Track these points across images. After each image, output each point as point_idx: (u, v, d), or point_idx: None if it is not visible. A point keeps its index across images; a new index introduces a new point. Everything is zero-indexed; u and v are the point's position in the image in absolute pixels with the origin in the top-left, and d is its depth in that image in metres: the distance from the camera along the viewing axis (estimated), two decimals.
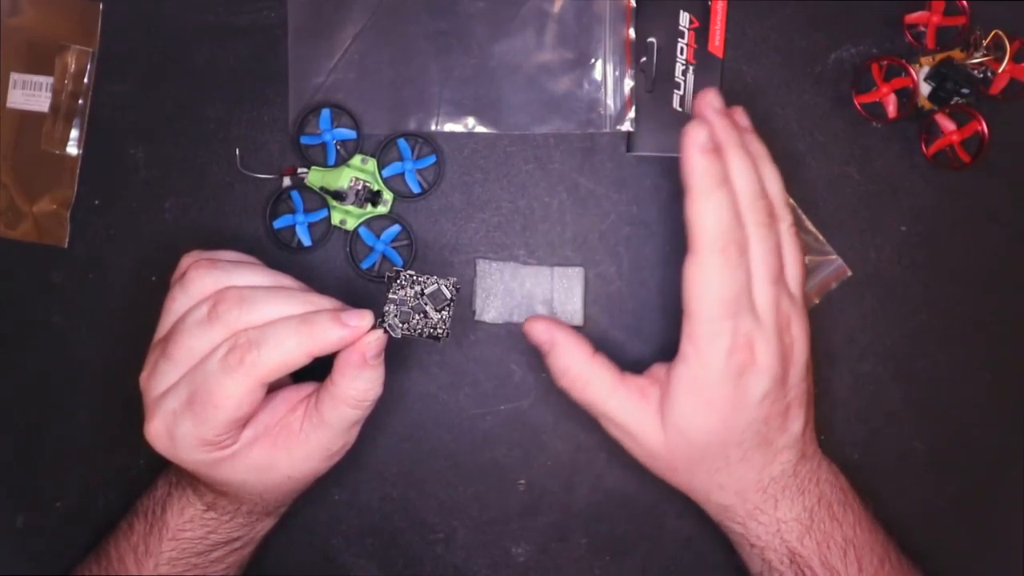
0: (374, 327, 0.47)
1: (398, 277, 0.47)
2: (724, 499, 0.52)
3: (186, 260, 0.50)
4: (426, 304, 0.48)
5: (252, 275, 0.48)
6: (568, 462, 0.59)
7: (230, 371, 0.45)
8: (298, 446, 0.49)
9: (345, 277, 0.59)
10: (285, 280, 0.49)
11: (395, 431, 0.59)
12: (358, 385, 0.47)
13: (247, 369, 0.45)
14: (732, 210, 0.47)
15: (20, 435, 0.60)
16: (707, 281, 0.47)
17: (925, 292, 0.59)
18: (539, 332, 0.51)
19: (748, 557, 0.53)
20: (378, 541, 0.59)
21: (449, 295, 0.48)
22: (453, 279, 0.48)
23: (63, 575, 0.57)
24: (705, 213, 0.47)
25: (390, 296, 0.47)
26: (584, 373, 0.50)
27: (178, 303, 0.48)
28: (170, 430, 0.46)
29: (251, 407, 0.46)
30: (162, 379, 0.47)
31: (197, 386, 0.46)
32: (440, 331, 0.48)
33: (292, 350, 0.45)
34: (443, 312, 0.48)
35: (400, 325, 0.47)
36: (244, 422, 0.47)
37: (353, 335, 0.46)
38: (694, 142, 0.47)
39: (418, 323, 0.48)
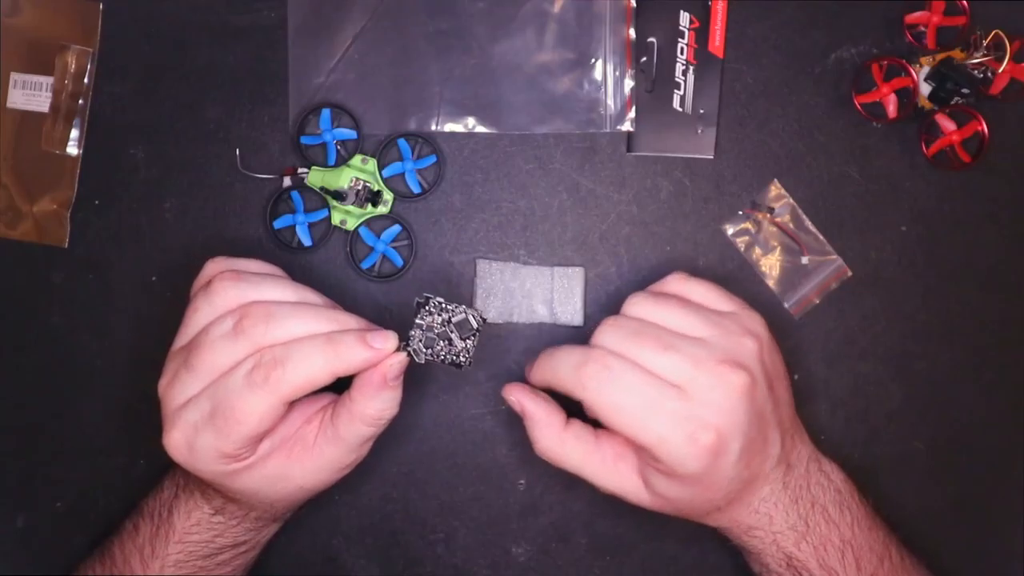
0: (398, 349, 0.47)
1: (427, 303, 0.48)
2: (718, 523, 0.52)
3: (211, 267, 0.50)
4: (452, 332, 0.48)
5: (277, 289, 0.48)
6: None
7: (255, 388, 0.45)
8: (312, 458, 0.49)
9: (345, 277, 0.59)
10: (310, 295, 0.49)
11: (395, 431, 0.59)
12: (376, 404, 0.48)
13: (272, 387, 0.45)
14: (573, 351, 0.48)
15: (20, 435, 0.60)
16: (603, 405, 0.47)
17: (925, 292, 0.59)
18: (512, 402, 0.51)
19: (746, 560, 0.54)
20: (378, 541, 0.59)
21: (476, 325, 0.48)
22: (481, 310, 0.48)
23: (64, 575, 0.57)
24: (554, 375, 0.49)
25: (417, 321, 0.48)
26: (555, 447, 0.50)
27: (201, 314, 0.48)
28: (190, 442, 0.46)
29: (272, 423, 0.46)
30: (183, 389, 0.47)
31: (220, 400, 0.46)
32: (463, 359, 0.48)
33: (317, 369, 0.45)
34: (468, 341, 0.48)
35: (424, 350, 0.48)
36: (263, 436, 0.48)
37: (377, 357, 0.46)
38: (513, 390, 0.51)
39: (442, 350, 0.48)
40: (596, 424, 0.50)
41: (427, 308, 0.48)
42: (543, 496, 0.59)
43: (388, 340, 0.47)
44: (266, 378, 0.45)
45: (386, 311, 0.59)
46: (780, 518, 0.50)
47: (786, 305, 0.59)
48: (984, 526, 0.59)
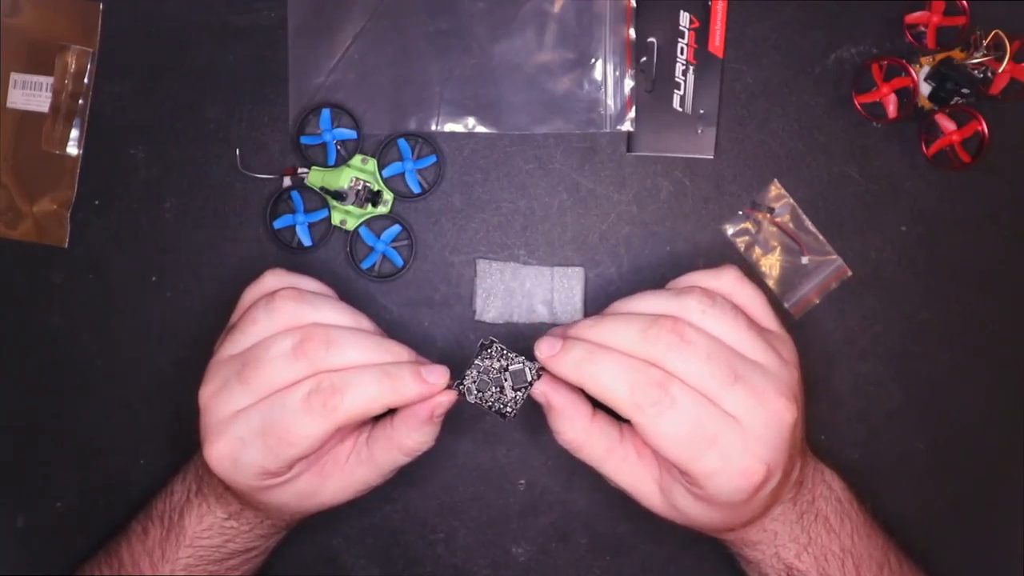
0: (449, 385, 0.47)
1: (491, 347, 0.48)
2: (723, 538, 0.52)
3: (271, 279, 0.51)
4: (506, 380, 0.48)
5: (335, 313, 0.49)
6: (568, 462, 0.59)
7: (311, 412, 0.45)
8: (342, 477, 0.50)
9: (345, 277, 0.59)
10: (363, 321, 0.50)
11: None
12: (417, 437, 0.49)
13: (328, 413, 0.45)
14: (623, 363, 0.45)
15: (20, 435, 0.60)
16: (658, 433, 0.44)
17: (925, 292, 0.59)
18: (537, 393, 0.49)
19: (744, 568, 0.54)
20: (378, 541, 0.59)
21: (530, 378, 0.48)
22: (539, 365, 0.48)
23: (66, 575, 0.57)
24: (601, 386, 0.45)
25: (476, 362, 0.48)
26: (580, 437, 0.49)
27: (260, 327, 0.48)
28: (235, 456, 0.46)
29: (321, 447, 0.47)
30: (232, 400, 0.47)
31: (273, 420, 0.46)
32: (510, 409, 0.48)
33: (373, 400, 0.46)
34: (518, 392, 0.48)
35: (475, 391, 0.48)
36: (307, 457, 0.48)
37: (430, 392, 0.47)
38: (542, 352, 0.47)
39: (492, 396, 0.48)
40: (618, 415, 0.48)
41: (489, 352, 0.48)
42: (543, 496, 0.59)
43: (442, 376, 0.47)
44: (324, 404, 0.45)
45: (386, 311, 0.59)
46: (784, 532, 0.50)
47: (786, 305, 0.59)
48: (984, 526, 0.59)
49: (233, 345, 0.48)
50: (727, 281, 0.50)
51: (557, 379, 0.48)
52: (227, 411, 0.47)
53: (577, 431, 0.48)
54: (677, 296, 0.47)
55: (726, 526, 0.49)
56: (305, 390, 0.46)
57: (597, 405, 0.49)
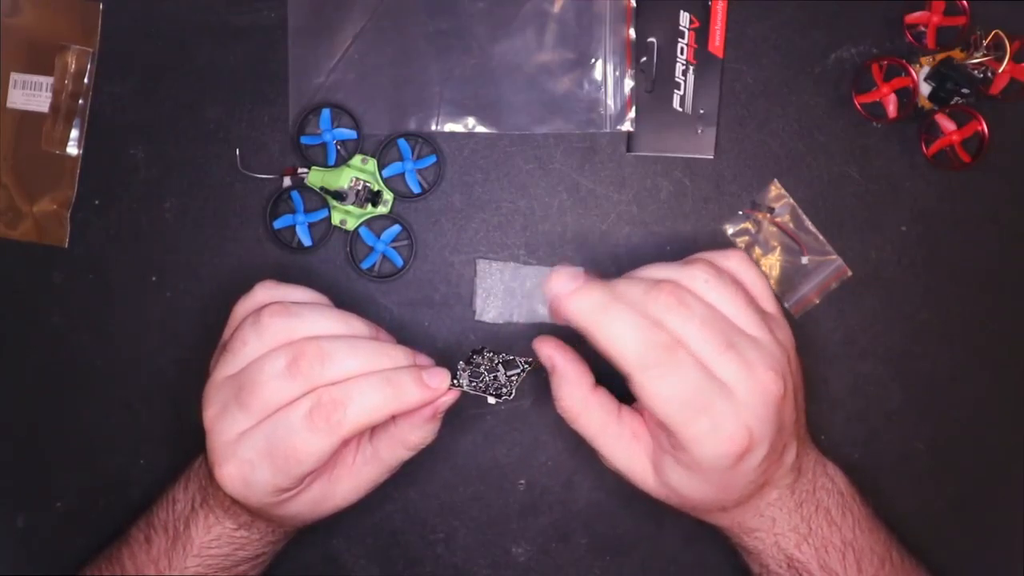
0: (449, 387, 0.48)
1: (481, 352, 0.50)
2: (719, 522, 0.52)
3: (261, 293, 0.50)
4: (498, 369, 0.50)
5: (326, 320, 0.48)
6: (568, 462, 0.59)
7: (315, 430, 0.45)
8: (350, 479, 0.50)
9: (345, 277, 0.59)
10: (356, 324, 0.49)
11: None
12: (420, 433, 0.49)
13: (333, 428, 0.45)
14: (636, 320, 0.45)
15: (20, 435, 0.60)
16: (657, 394, 0.45)
17: (925, 292, 0.59)
18: (543, 356, 0.49)
19: (745, 559, 0.54)
20: (378, 541, 0.59)
21: (522, 368, 0.50)
22: (529, 359, 0.49)
23: (66, 575, 0.57)
24: (611, 338, 0.45)
25: (467, 362, 0.50)
26: (577, 407, 0.49)
27: (251, 347, 0.48)
28: (246, 477, 0.46)
29: (329, 459, 0.47)
30: (234, 423, 0.47)
31: (278, 440, 0.46)
32: (506, 391, 0.49)
33: (377, 410, 0.46)
34: (513, 377, 0.50)
35: (470, 382, 0.49)
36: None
37: (433, 396, 0.47)
38: (559, 286, 0.46)
39: (483, 381, 0.49)
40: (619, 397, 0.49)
41: (480, 356, 0.50)
42: (543, 496, 0.59)
43: (444, 379, 0.47)
44: (327, 420, 0.45)
45: (386, 311, 0.59)
46: (783, 520, 0.50)
47: (786, 305, 0.59)
48: (984, 526, 0.59)
49: (227, 367, 0.48)
50: (733, 262, 0.50)
51: (564, 344, 0.49)
52: (231, 434, 0.47)
53: (576, 399, 0.49)
54: (683, 265, 0.48)
55: (718, 503, 0.49)
56: (306, 407, 0.45)
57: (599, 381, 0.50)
